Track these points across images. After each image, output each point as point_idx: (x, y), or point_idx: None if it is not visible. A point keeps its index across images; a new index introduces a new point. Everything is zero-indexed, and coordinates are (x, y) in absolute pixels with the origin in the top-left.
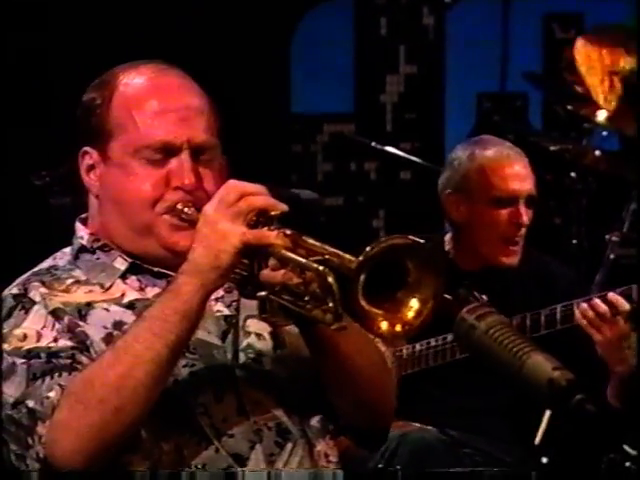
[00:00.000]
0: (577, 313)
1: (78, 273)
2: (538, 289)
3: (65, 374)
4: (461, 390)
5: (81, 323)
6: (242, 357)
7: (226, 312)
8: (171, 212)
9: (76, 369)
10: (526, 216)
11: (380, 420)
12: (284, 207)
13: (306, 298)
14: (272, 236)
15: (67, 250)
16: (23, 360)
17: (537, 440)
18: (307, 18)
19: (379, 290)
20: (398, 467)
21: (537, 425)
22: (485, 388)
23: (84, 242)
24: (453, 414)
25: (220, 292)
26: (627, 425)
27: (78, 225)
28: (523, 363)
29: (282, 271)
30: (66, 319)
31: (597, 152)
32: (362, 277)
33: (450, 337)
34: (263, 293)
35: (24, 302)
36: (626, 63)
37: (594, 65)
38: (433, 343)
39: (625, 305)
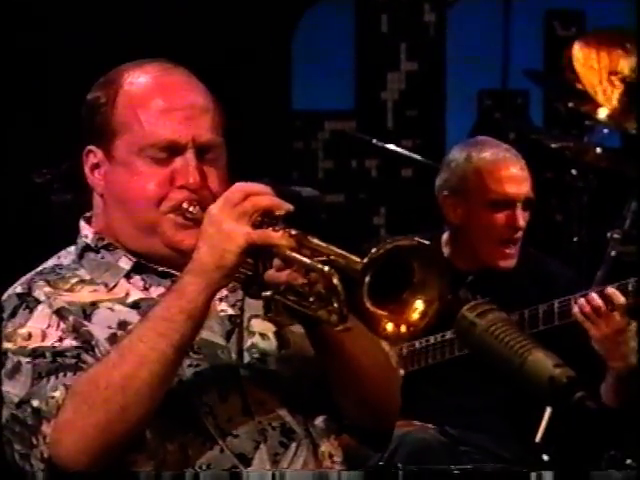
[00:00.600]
0: (574, 308)
1: (82, 272)
2: (536, 289)
3: (70, 374)
4: (460, 389)
5: (86, 323)
6: (246, 357)
7: (230, 312)
8: (176, 211)
9: (81, 369)
10: (523, 219)
11: (385, 420)
12: (289, 207)
13: (311, 299)
14: (277, 236)
15: (71, 249)
16: (28, 359)
17: (538, 438)
18: (308, 15)
19: (384, 291)
20: (399, 465)
21: (537, 423)
22: (484, 387)
23: (88, 241)
24: (452, 413)
25: (224, 292)
26: (624, 422)
27: (82, 224)
28: (524, 360)
29: (287, 271)
30: (71, 319)
31: (598, 149)
32: (367, 278)
33: (449, 335)
34: (268, 293)
35: (28, 301)
36: (625, 64)
37: (592, 65)
38: (432, 341)
39: (621, 299)
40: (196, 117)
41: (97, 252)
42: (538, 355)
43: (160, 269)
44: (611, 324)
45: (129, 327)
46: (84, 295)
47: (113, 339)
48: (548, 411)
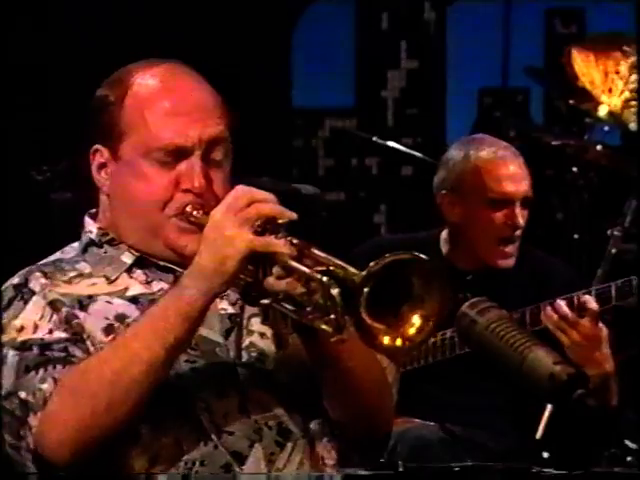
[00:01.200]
0: (543, 316)
1: (83, 266)
2: (535, 288)
3: (59, 367)
4: (460, 387)
5: (80, 314)
6: (244, 355)
7: (230, 310)
8: (180, 214)
9: (71, 362)
10: (521, 217)
11: (376, 434)
12: (292, 215)
13: (308, 308)
14: (279, 244)
15: (75, 244)
16: (16, 352)
17: (538, 434)
18: (309, 13)
19: (383, 304)
20: (399, 462)
21: (537, 420)
22: (484, 385)
23: (92, 236)
24: (452, 411)
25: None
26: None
27: (87, 220)
28: (524, 357)
29: (286, 280)
30: (64, 310)
31: (599, 147)
32: (365, 291)
33: (449, 333)
34: (266, 301)
35: (24, 292)
36: (623, 65)
37: (592, 66)
38: (432, 339)
39: (592, 305)
40: (202, 118)
41: (100, 247)
42: (538, 352)
43: (162, 263)
44: (581, 331)
45: (126, 320)
46: (81, 288)
47: (109, 330)
48: (549, 408)
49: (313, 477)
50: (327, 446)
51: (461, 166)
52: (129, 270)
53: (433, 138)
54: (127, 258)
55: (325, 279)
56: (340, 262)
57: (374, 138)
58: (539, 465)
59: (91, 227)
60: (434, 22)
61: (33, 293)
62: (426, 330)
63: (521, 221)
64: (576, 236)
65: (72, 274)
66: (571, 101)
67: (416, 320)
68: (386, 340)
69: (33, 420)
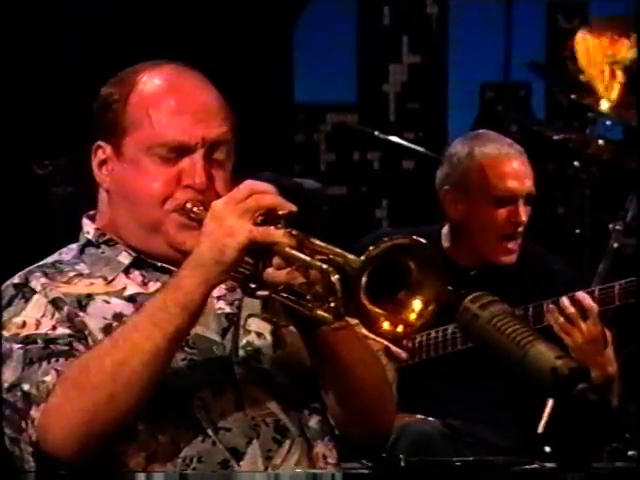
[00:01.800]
0: (547, 316)
1: (82, 267)
2: (537, 285)
3: (62, 359)
4: (462, 382)
5: (80, 313)
6: (241, 354)
7: (227, 310)
8: (180, 211)
9: (73, 355)
10: (525, 214)
11: (376, 433)
12: (292, 207)
13: (308, 297)
14: (278, 234)
15: (73, 246)
16: (20, 345)
17: (540, 429)
18: (310, 7)
19: (382, 290)
20: (401, 456)
21: (538, 415)
22: (486, 379)
23: (90, 237)
24: (454, 406)
25: (223, 291)
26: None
27: (85, 221)
28: (526, 352)
29: (286, 270)
30: (65, 309)
31: (600, 142)
32: (365, 276)
33: (451, 329)
34: (265, 292)
35: (25, 291)
36: (628, 52)
37: (594, 55)
38: (433, 334)
39: (595, 307)
40: (207, 118)
41: (98, 247)
42: (540, 347)
43: (159, 264)
44: (585, 333)
45: (124, 319)
46: (80, 287)
47: (107, 329)
48: (550, 403)
49: (310, 475)
50: (328, 445)
51: (465, 162)
52: (126, 270)
53: (435, 133)
54: (124, 258)
55: (324, 266)
56: (340, 250)
57: (376, 133)
58: (541, 460)
59: (88, 228)
60: (436, 16)
61: (34, 292)
62: (425, 315)
63: (524, 218)
64: (578, 231)
65: (71, 274)
66: (573, 95)
67: (416, 305)
68: (386, 325)
69: (35, 412)
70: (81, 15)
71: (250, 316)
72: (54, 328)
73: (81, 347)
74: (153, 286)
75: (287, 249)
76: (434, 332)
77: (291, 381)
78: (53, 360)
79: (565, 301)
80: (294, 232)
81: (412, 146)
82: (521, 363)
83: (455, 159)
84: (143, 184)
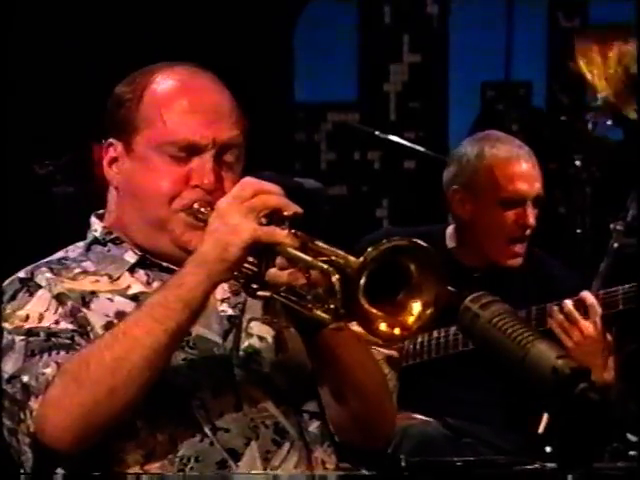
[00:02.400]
0: (548, 317)
1: (87, 264)
2: (539, 289)
3: (63, 353)
4: (462, 382)
5: (84, 310)
6: (242, 357)
7: (230, 312)
8: (187, 210)
9: (75, 349)
10: (533, 217)
11: (375, 440)
12: (298, 209)
13: (309, 297)
14: (282, 234)
15: (80, 244)
16: (22, 337)
17: (540, 429)
18: (311, 6)
19: (382, 292)
20: (402, 457)
21: (538, 415)
22: (486, 379)
23: (97, 234)
24: (455, 406)
25: (226, 294)
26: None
27: (93, 219)
28: (527, 352)
29: (288, 271)
30: (69, 304)
31: (601, 140)
32: (364, 277)
33: (453, 329)
34: (267, 293)
35: (30, 286)
36: (627, 54)
37: (594, 58)
38: (436, 335)
39: (597, 308)
40: (218, 120)
41: (104, 245)
42: (541, 346)
43: (165, 265)
44: (584, 332)
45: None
46: (85, 284)
47: (109, 327)
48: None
49: (309, 477)
50: (327, 451)
51: (475, 164)
52: (131, 269)
53: (435, 132)
54: (130, 257)
55: (325, 266)
56: (342, 252)
57: (376, 132)
58: (541, 460)
59: (96, 226)
60: (437, 15)
61: (39, 287)
62: (424, 318)
63: (532, 221)
64: (579, 230)
65: (77, 271)
66: (573, 94)
67: (415, 308)
68: (383, 327)
69: (34, 403)
70: (81, 15)
71: (252, 319)
72: (57, 322)
73: (83, 342)
74: (157, 286)
75: (290, 249)
76: (436, 332)
77: (291, 385)
78: (54, 353)
79: (568, 301)
80: (298, 233)
81: (413, 145)
82: (522, 363)
83: (464, 159)
84: (152, 182)
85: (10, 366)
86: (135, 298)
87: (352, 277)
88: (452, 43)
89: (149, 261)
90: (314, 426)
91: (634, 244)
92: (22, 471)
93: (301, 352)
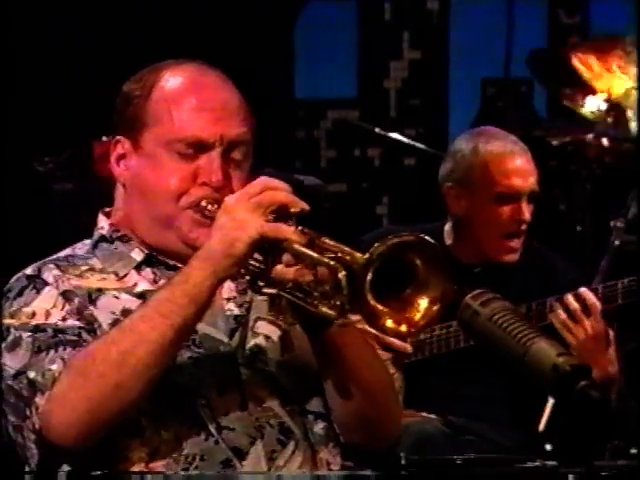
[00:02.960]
0: (550, 313)
1: (94, 262)
2: (539, 283)
3: (69, 349)
4: (463, 379)
5: (90, 307)
6: (248, 356)
7: (237, 312)
8: (194, 207)
9: (81, 346)
10: (528, 212)
11: (380, 440)
12: (305, 206)
13: (315, 294)
14: (289, 231)
15: (87, 241)
16: (29, 334)
17: (541, 426)
18: (312, 3)
19: (388, 288)
20: (402, 454)
21: (539, 413)
22: (487, 376)
23: (104, 232)
24: (454, 402)
25: (233, 293)
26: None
27: (100, 217)
28: (527, 349)
29: (294, 268)
30: (76, 301)
31: (602, 141)
32: (370, 272)
33: (454, 326)
34: (274, 290)
35: (36, 282)
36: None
37: (593, 63)
38: (437, 332)
39: (598, 305)
40: (226, 118)
41: (111, 243)
42: (541, 344)
43: (172, 263)
44: (587, 329)
45: None
46: (92, 281)
47: (116, 324)
48: (551, 400)
49: (314, 476)
50: (332, 452)
51: (470, 159)
52: (138, 267)
53: (436, 129)
54: (137, 255)
55: (332, 263)
56: (348, 249)
57: (376, 129)
58: (542, 457)
59: (103, 223)
60: (437, 12)
61: (46, 284)
62: (430, 315)
63: (527, 216)
64: (579, 228)
65: (84, 268)
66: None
67: (421, 304)
68: (390, 323)
69: (40, 400)
70: (81, 13)
71: (259, 319)
72: (64, 319)
73: (90, 339)
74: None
75: (297, 246)
76: (438, 329)
77: (296, 385)
78: (61, 349)
79: (569, 297)
80: (305, 230)
81: (413, 142)
82: (522, 360)
83: (459, 155)
84: (159, 178)
85: (17, 362)
86: (141, 296)
87: (358, 273)
88: (452, 40)
89: (156, 259)
90: (319, 427)
91: (634, 241)
92: (27, 468)
93: (307, 352)
